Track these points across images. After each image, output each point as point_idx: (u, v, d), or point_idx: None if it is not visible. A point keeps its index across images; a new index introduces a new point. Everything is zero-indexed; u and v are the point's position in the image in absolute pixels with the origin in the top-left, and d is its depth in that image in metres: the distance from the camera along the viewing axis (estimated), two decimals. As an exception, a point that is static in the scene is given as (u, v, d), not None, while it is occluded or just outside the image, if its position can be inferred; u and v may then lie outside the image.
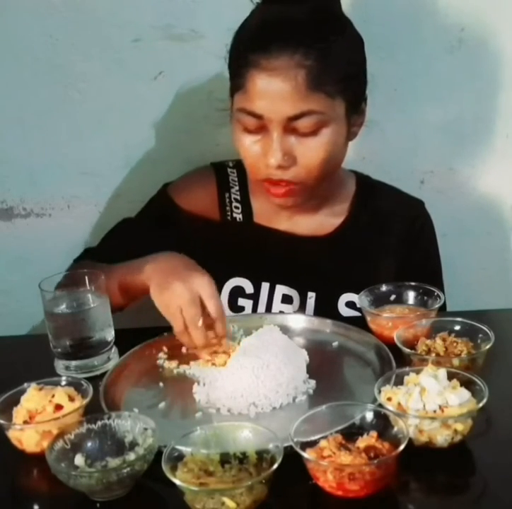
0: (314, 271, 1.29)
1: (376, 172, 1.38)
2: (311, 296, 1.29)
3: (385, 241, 1.31)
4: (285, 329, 1.11)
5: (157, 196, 1.35)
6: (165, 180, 1.37)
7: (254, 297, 1.29)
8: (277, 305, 1.29)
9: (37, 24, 1.40)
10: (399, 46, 1.45)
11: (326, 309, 1.27)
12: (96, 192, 1.52)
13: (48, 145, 1.48)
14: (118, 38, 1.41)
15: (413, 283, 1.16)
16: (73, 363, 1.07)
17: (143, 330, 1.17)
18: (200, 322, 1.03)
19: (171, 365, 1.08)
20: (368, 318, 1.12)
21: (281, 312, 1.27)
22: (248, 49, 1.12)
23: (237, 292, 1.29)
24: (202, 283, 1.04)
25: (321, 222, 1.31)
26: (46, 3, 1.39)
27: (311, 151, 1.14)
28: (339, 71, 1.12)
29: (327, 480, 0.79)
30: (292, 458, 0.80)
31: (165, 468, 0.79)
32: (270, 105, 1.11)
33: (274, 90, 1.10)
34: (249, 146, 1.16)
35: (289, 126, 1.12)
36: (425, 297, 1.14)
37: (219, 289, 1.13)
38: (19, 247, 1.54)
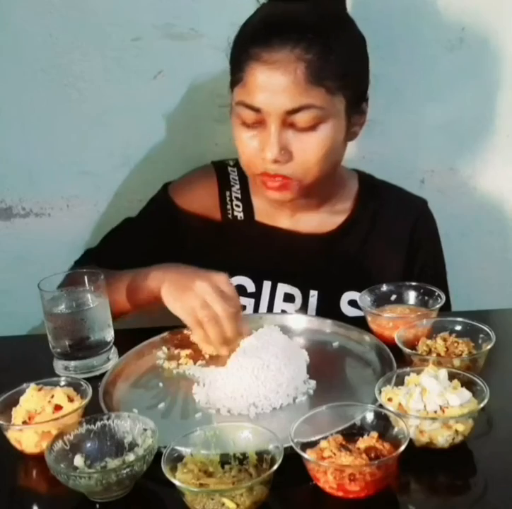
0: (315, 269, 1.28)
1: (376, 171, 1.38)
2: (313, 295, 1.28)
3: (387, 240, 1.31)
4: (285, 330, 1.11)
5: (157, 196, 1.35)
6: (165, 180, 1.36)
7: (256, 295, 1.29)
8: (279, 303, 1.28)
9: (37, 24, 1.40)
10: (399, 45, 1.44)
11: (328, 307, 1.27)
12: (96, 192, 1.52)
13: (48, 144, 1.48)
14: (118, 37, 1.41)
15: (414, 283, 1.16)
16: (73, 363, 1.07)
17: (142, 330, 1.17)
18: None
19: (171, 365, 1.08)
20: (369, 318, 1.12)
21: (282, 310, 1.27)
22: (250, 42, 1.13)
23: (238, 291, 1.27)
24: (223, 280, 1.06)
25: (322, 220, 1.31)
26: (46, 2, 1.39)
27: (308, 147, 1.14)
28: (340, 68, 1.13)
29: (327, 481, 0.79)
30: (292, 459, 0.79)
31: (165, 469, 0.79)
32: (269, 98, 1.11)
33: (274, 83, 1.11)
34: (246, 140, 1.17)
35: (287, 121, 1.12)
36: (426, 297, 1.14)
37: None
38: (18, 246, 1.54)
